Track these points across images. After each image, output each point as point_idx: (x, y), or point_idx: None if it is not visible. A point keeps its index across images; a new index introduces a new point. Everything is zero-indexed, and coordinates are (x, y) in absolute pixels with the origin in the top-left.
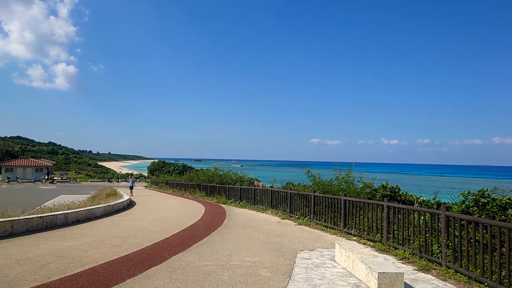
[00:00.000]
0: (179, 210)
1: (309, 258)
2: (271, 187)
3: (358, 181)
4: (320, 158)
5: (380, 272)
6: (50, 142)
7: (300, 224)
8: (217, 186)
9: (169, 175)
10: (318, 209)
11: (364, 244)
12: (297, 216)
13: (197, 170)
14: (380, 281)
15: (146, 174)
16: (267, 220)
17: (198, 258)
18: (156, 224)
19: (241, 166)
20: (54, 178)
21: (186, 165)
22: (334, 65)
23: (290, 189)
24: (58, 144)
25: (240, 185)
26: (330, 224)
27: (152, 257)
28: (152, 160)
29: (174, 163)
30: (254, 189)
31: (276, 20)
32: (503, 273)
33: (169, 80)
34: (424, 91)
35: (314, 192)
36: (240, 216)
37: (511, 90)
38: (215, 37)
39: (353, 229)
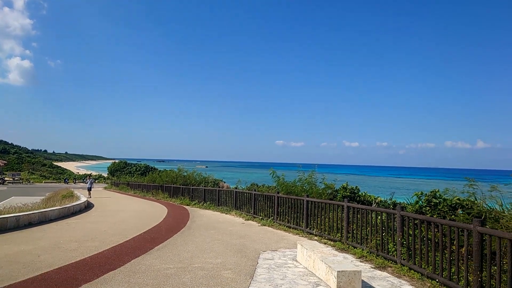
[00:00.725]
0: (141, 212)
1: (272, 259)
2: (236, 188)
3: (320, 182)
4: (285, 160)
5: (339, 271)
6: (1, 141)
7: (264, 225)
8: (180, 187)
9: (130, 176)
10: (281, 210)
11: (325, 243)
12: (261, 217)
13: (160, 171)
14: (339, 279)
15: (106, 175)
16: (231, 222)
17: (159, 261)
18: (115, 226)
19: (206, 167)
20: (5, 178)
21: (148, 165)
22: (299, 67)
23: (255, 190)
24: (10, 142)
25: (205, 186)
26: (293, 224)
27: (110, 261)
28: (113, 161)
29: (136, 163)
30: (219, 190)
31: (241, 20)
32: (453, 270)
33: (132, 78)
34: (383, 97)
35: (278, 193)
36: (204, 217)
37: (462, 98)
38: (177, 37)
39: (315, 229)
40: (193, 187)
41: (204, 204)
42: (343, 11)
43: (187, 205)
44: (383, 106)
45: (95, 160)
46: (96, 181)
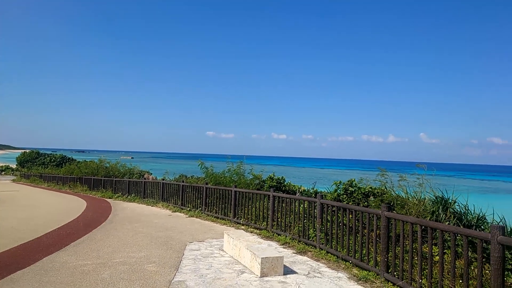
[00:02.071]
0: (56, 207)
1: (198, 249)
2: (163, 179)
3: (248, 173)
4: (216, 151)
5: (263, 258)
6: None
7: (192, 216)
8: (102, 179)
9: (44, 167)
10: (210, 201)
11: (252, 232)
12: (188, 208)
13: (79, 162)
14: (262, 265)
15: (14, 166)
16: (157, 214)
17: (76, 257)
18: (25, 222)
19: (132, 158)
20: None
21: (65, 156)
22: (230, 61)
23: (183, 182)
24: None
25: (129, 178)
26: (221, 215)
27: (19, 259)
28: (23, 151)
29: (51, 154)
30: (144, 182)
31: (174, 8)
32: (364, 252)
33: (50, 58)
34: (308, 92)
35: (207, 184)
36: (128, 210)
37: (374, 97)
38: (103, 20)
39: (242, 219)
40: (116, 179)
41: (129, 197)
42: None
43: (110, 198)
44: (309, 101)
45: (1, 149)
46: (3, 173)
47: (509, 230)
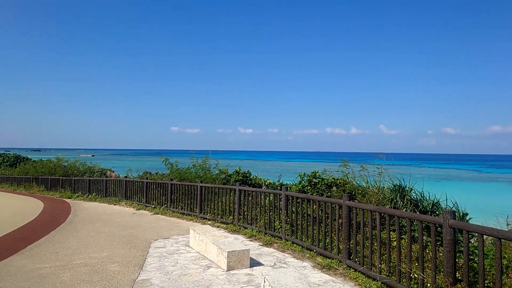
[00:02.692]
0: (10, 209)
1: (164, 247)
2: (126, 177)
3: (214, 168)
4: (181, 147)
5: (229, 251)
6: None
7: (157, 214)
8: (60, 179)
9: None
10: (175, 197)
11: (218, 227)
12: (153, 206)
13: (34, 161)
14: (229, 259)
15: None
16: (120, 212)
17: (33, 260)
18: None
19: (92, 156)
20: None
21: (19, 155)
22: (194, 53)
23: (147, 178)
24: None
25: (90, 177)
26: (187, 211)
27: None
28: None
29: (4, 153)
30: (106, 180)
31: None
32: (327, 240)
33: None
34: (273, 86)
35: (172, 180)
36: (89, 210)
37: (336, 91)
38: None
39: (209, 214)
40: (75, 178)
41: (89, 196)
42: None
43: (69, 198)
44: (274, 94)
45: None
46: None
47: (461, 214)
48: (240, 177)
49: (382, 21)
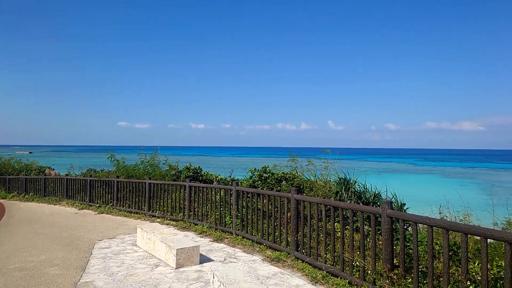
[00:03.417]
0: None
1: (109, 247)
2: (67, 175)
3: (163, 164)
4: (129, 142)
5: (178, 249)
6: None
7: (102, 213)
8: None
9: None
10: (122, 195)
11: (168, 224)
12: (98, 205)
13: None
14: (178, 257)
15: None
16: (61, 213)
17: None
18: None
19: (30, 153)
20: None
21: None
22: (143, 48)
23: (91, 176)
24: None
25: (26, 175)
26: (135, 209)
27: None
28: None
29: None
30: (45, 178)
31: None
32: (276, 234)
33: None
34: (224, 81)
35: (118, 177)
36: (26, 210)
37: (286, 88)
38: None
39: (158, 211)
40: (10, 177)
41: (26, 196)
42: None
43: (3, 198)
44: (226, 89)
45: None
46: None
47: (399, 204)
48: (191, 173)
49: (325, 16)
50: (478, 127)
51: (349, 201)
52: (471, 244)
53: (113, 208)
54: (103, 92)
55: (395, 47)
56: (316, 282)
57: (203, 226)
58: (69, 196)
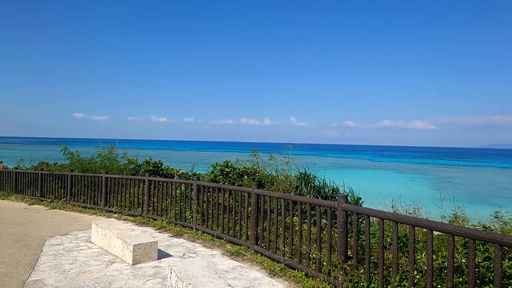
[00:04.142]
0: None
1: (61, 244)
2: (16, 168)
3: (122, 158)
4: (86, 135)
5: (135, 245)
6: None
7: (54, 208)
8: None
9: None
10: (76, 190)
11: (125, 220)
12: (50, 200)
13: None
14: (135, 253)
15: None
16: (9, 208)
17: None
18: None
19: None
20: None
21: None
22: (103, 38)
23: (42, 170)
24: None
25: None
26: (90, 204)
27: None
28: None
29: None
30: None
31: None
32: (237, 228)
33: None
34: (188, 75)
35: (72, 171)
36: None
37: (250, 83)
38: None
39: (115, 207)
40: None
41: None
42: None
43: None
44: (189, 82)
45: None
46: None
47: (356, 198)
48: (151, 167)
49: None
50: (430, 126)
51: (308, 196)
52: (420, 235)
53: (67, 204)
54: (56, 81)
55: (357, 47)
56: (274, 275)
57: (162, 221)
58: (18, 190)
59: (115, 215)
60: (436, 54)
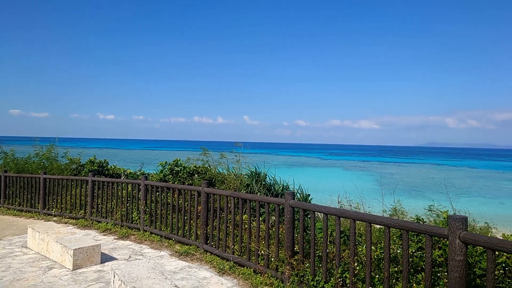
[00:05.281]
0: None
1: None
2: None
3: (63, 157)
4: (24, 133)
5: (75, 249)
6: None
7: None
8: None
9: None
10: (11, 192)
11: (66, 223)
12: None
13: None
14: (75, 257)
15: None
16: None
17: None
18: None
19: None
20: None
21: None
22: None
23: None
24: None
25: None
26: (27, 207)
27: None
28: None
29: None
30: None
31: None
32: (186, 228)
33: None
34: (137, 71)
35: (6, 172)
36: None
37: (204, 82)
38: None
39: (54, 209)
40: None
41: None
42: None
43: None
44: (139, 79)
45: None
46: None
47: (305, 195)
48: (95, 167)
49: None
50: (374, 125)
51: (259, 194)
52: (362, 229)
53: (0, 207)
54: None
55: (310, 49)
56: (224, 273)
57: (107, 223)
58: None
59: (54, 218)
60: (380, 57)
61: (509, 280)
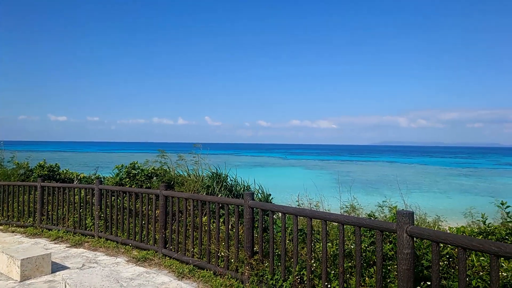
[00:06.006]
0: None
1: None
2: None
3: (9, 162)
4: None
5: (23, 259)
6: None
7: None
8: None
9: None
10: None
11: (13, 232)
12: None
13: None
14: (23, 268)
15: None
16: None
17: None
18: None
19: None
20: None
21: None
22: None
23: None
24: None
25: None
26: None
27: None
28: None
29: None
30: None
31: None
32: (144, 232)
33: None
34: (91, 70)
35: None
36: None
37: (169, 79)
38: None
39: (0, 218)
40: None
41: None
42: None
43: None
44: (93, 79)
45: None
46: None
47: (266, 195)
48: (45, 172)
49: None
50: (332, 125)
51: (220, 195)
52: (320, 226)
53: None
54: None
55: (268, 49)
56: (183, 277)
57: (58, 231)
58: None
59: (0, 227)
60: (337, 58)
61: (453, 270)
